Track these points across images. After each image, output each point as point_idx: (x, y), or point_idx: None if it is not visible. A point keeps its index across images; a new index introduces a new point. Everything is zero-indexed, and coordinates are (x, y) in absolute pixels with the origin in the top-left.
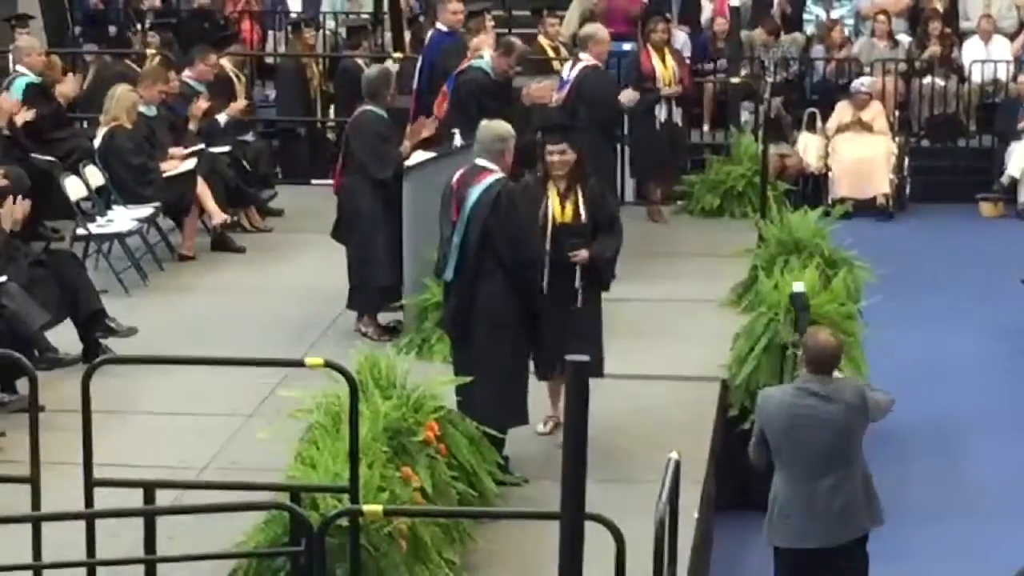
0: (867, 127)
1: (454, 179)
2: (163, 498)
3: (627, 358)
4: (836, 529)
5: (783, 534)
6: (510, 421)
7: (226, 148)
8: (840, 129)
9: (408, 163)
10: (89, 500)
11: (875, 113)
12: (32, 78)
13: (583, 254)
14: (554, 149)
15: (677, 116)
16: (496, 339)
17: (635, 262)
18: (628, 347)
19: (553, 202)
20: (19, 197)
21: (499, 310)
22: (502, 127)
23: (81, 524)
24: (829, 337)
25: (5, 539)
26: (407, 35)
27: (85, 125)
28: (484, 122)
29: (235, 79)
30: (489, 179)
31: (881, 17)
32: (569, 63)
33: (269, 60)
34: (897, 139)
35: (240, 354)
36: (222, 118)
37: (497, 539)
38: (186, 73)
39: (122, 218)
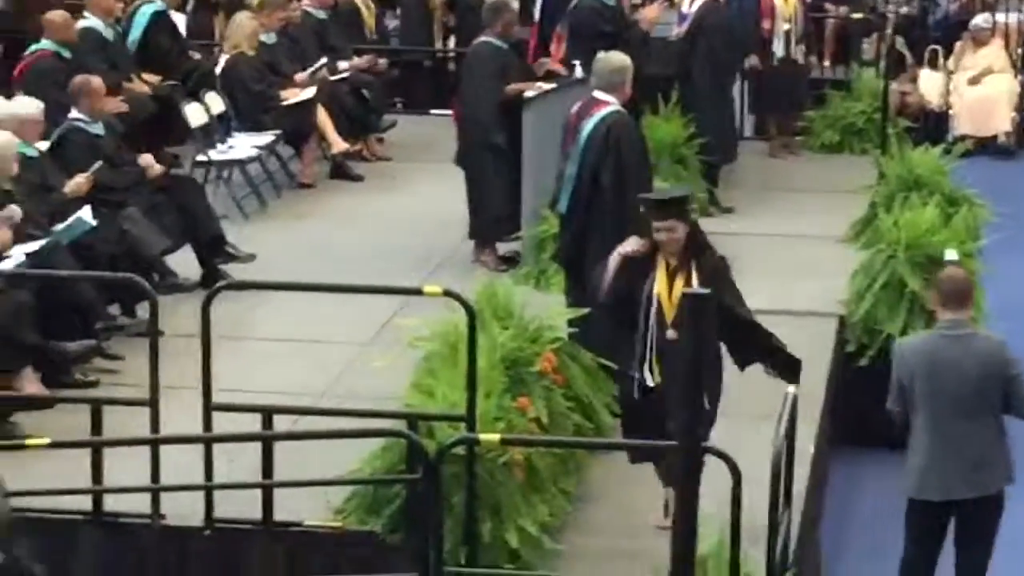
0: (989, 65)
1: (572, 111)
2: (280, 423)
3: (745, 293)
4: (973, 481)
5: (919, 485)
6: (626, 353)
7: (346, 75)
8: (962, 67)
9: (528, 94)
10: (207, 424)
11: (997, 50)
12: (159, 6)
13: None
14: (661, 227)
15: (797, 52)
16: None
17: (754, 197)
18: (746, 282)
19: (659, 278)
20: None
21: (610, 243)
22: (619, 58)
23: (199, 448)
24: (958, 270)
25: (124, 462)
26: None
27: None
28: (601, 54)
29: (363, 8)
30: (604, 111)
31: None
32: None
33: None
34: (1019, 77)
35: (358, 282)
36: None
37: (612, 471)
38: (306, 1)
39: (242, 145)
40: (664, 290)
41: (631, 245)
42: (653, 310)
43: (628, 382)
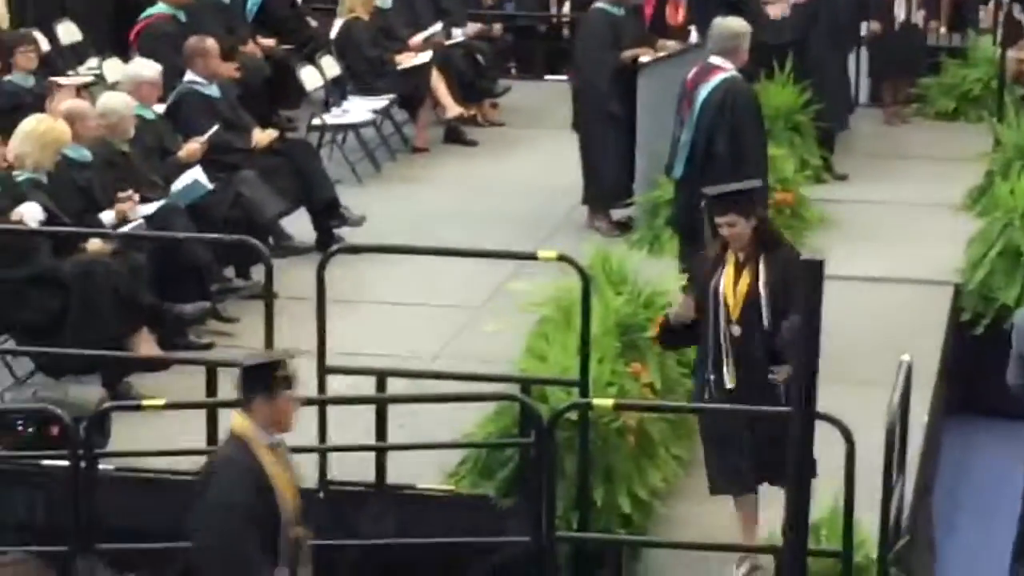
0: None
1: (688, 76)
2: (394, 386)
3: (859, 260)
4: None
5: None
6: None
7: (460, 40)
8: None
9: (643, 60)
10: (322, 387)
11: None
12: None
13: (782, 374)
14: (722, 221)
15: (917, 17)
16: None
17: (869, 164)
18: (860, 249)
19: (727, 272)
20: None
21: None
22: (735, 23)
23: (313, 410)
24: None
25: None
26: None
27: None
28: (718, 19)
29: None
30: (720, 76)
31: None
32: None
33: None
34: None
35: (471, 246)
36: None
37: None
38: None
39: (357, 109)
40: (730, 286)
41: (676, 309)
42: (721, 308)
43: (699, 385)
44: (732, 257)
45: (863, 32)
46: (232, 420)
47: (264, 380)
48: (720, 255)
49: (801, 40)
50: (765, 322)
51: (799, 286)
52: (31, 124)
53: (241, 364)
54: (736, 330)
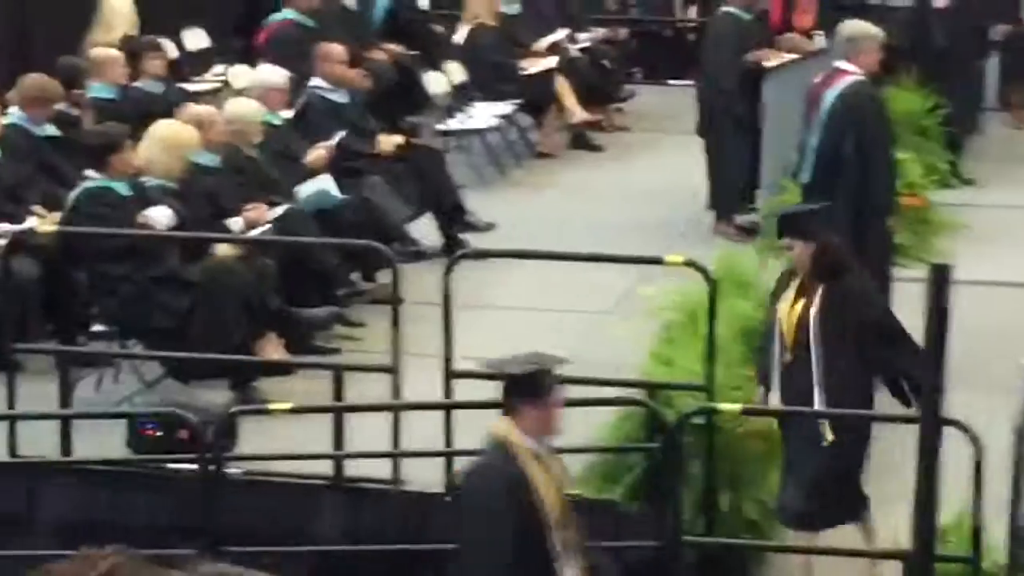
0: None
1: (815, 81)
2: None
3: (986, 264)
4: None
5: None
6: None
7: (586, 45)
8: None
9: (768, 64)
10: (448, 391)
11: None
12: None
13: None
14: (782, 244)
15: None
16: (855, 242)
17: (997, 168)
18: (986, 253)
19: (788, 295)
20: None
21: (854, 212)
22: (862, 27)
23: (439, 414)
24: None
25: (366, 427)
26: None
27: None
28: (845, 22)
29: None
30: (846, 81)
31: None
32: None
33: None
34: None
35: (596, 251)
36: None
37: None
38: None
39: (482, 114)
40: (786, 309)
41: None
42: (777, 330)
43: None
44: (797, 282)
45: (992, 35)
46: (494, 427)
47: (533, 386)
48: (789, 275)
49: (923, 43)
50: (813, 354)
51: (855, 320)
52: (160, 130)
53: (508, 371)
54: (787, 357)
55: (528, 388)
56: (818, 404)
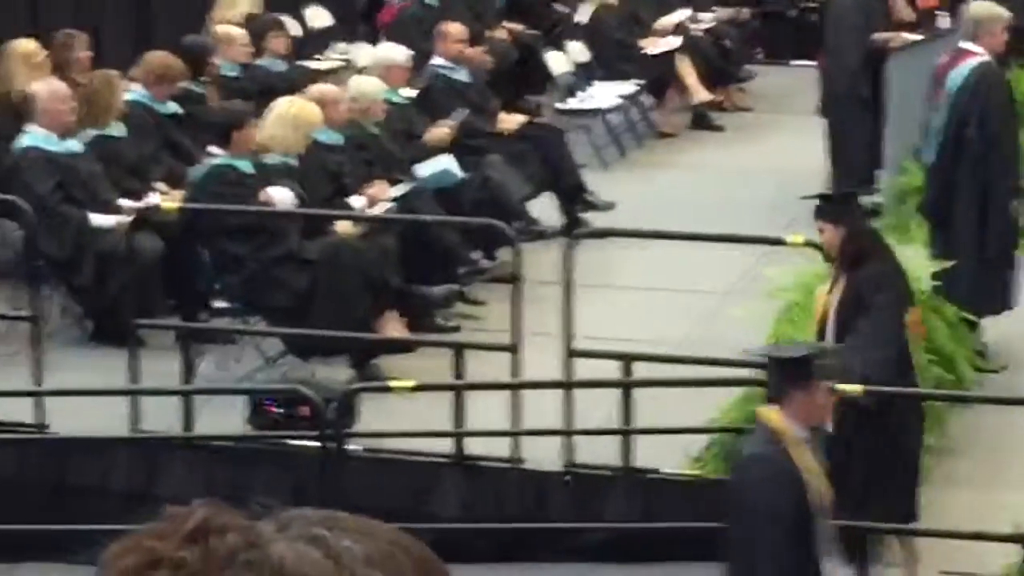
0: None
1: (940, 61)
2: (639, 371)
3: None
4: None
5: None
6: (990, 308)
7: (708, 25)
8: None
9: (893, 45)
10: (568, 370)
11: None
12: None
13: None
14: (816, 225)
15: None
16: (978, 224)
17: None
18: None
19: (827, 283)
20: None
21: (978, 194)
22: (988, 7)
23: (559, 393)
24: None
25: (485, 405)
26: None
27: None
28: (971, 2)
29: None
30: (971, 62)
31: None
32: None
33: None
34: None
35: (716, 231)
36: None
37: (972, 425)
38: None
39: (604, 94)
40: (822, 297)
41: None
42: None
43: None
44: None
45: None
46: (762, 413)
47: (803, 371)
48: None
49: None
50: (829, 340)
51: (865, 307)
52: (283, 107)
53: (775, 356)
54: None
55: (799, 373)
56: None
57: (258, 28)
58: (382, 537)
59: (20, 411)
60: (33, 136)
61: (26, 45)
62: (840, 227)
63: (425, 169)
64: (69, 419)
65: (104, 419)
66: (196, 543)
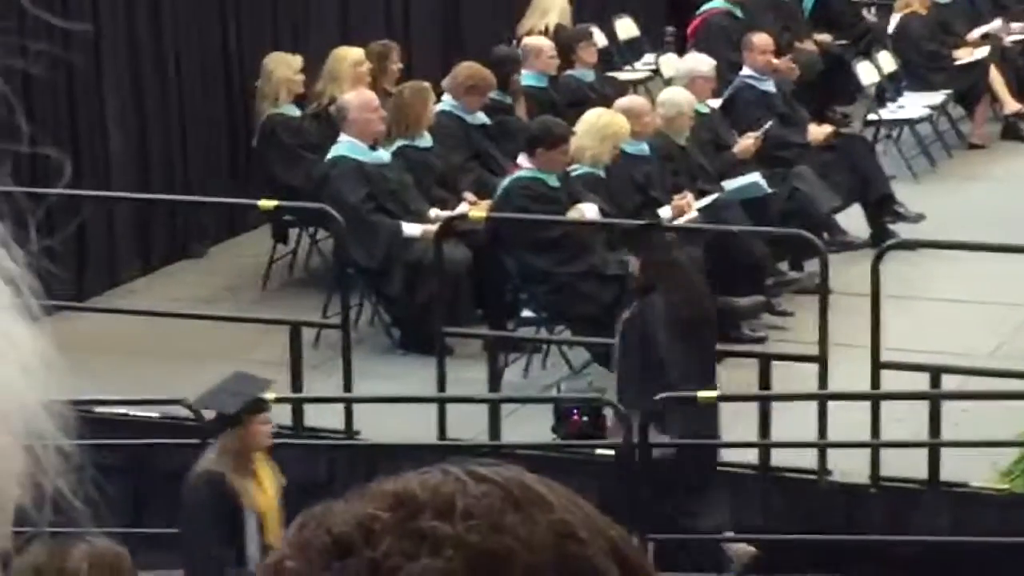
0: None
1: None
2: (948, 383)
3: None
4: None
5: None
6: None
7: (1020, 36)
8: None
9: None
10: (875, 382)
11: None
12: None
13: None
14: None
15: None
16: None
17: None
18: None
19: None
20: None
21: None
22: None
23: (866, 405)
24: None
25: (791, 416)
26: None
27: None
28: None
29: None
30: None
31: None
32: None
33: None
34: None
35: None
36: None
37: None
38: None
39: (913, 104)
40: None
41: None
42: None
43: None
44: None
45: None
46: None
47: None
48: None
49: None
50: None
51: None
52: (592, 117)
53: None
54: None
55: None
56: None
57: (567, 39)
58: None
59: (331, 418)
60: (344, 146)
61: (355, 53)
62: (637, 257)
63: (734, 185)
64: (378, 426)
65: (412, 426)
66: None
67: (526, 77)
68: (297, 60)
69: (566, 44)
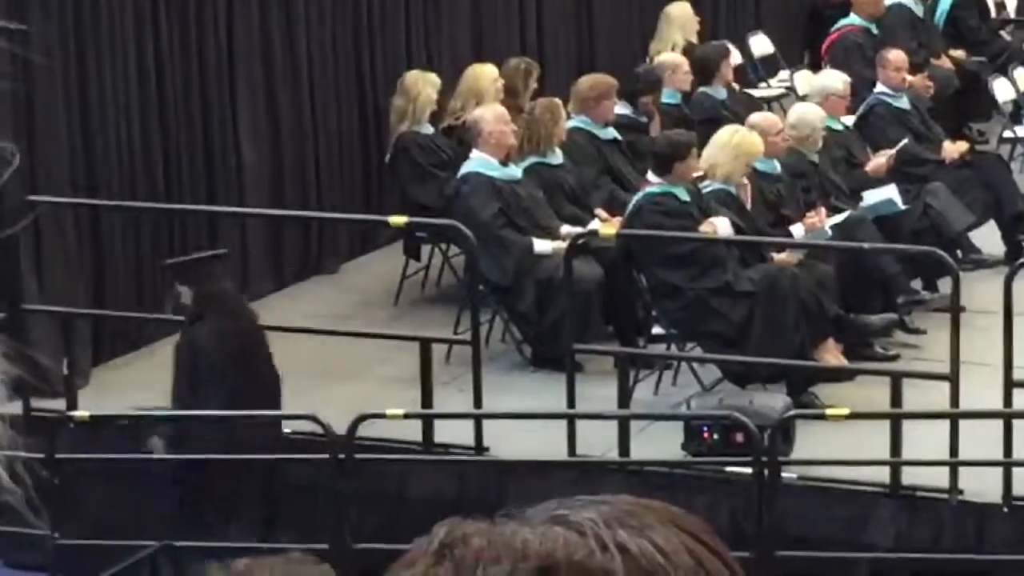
0: None
1: None
2: None
3: None
4: None
5: None
6: None
7: None
8: None
9: None
10: (1008, 400)
11: None
12: None
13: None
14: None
15: None
16: None
17: None
18: None
19: None
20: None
21: None
22: None
23: (999, 423)
24: None
25: (922, 434)
26: None
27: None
28: None
29: None
30: None
31: None
32: None
33: None
34: None
35: None
36: None
37: None
38: None
39: None
40: None
41: None
42: None
43: None
44: None
45: None
46: None
47: None
48: None
49: None
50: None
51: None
52: (726, 135)
53: None
54: None
55: None
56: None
57: (706, 56)
58: (622, 500)
59: (461, 434)
60: (476, 162)
61: (494, 70)
62: (190, 289)
63: (871, 197)
64: (508, 442)
65: (541, 442)
66: (444, 558)
67: (662, 94)
68: (436, 78)
69: (704, 61)
